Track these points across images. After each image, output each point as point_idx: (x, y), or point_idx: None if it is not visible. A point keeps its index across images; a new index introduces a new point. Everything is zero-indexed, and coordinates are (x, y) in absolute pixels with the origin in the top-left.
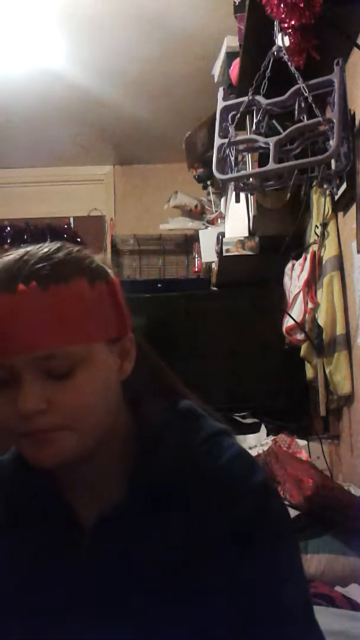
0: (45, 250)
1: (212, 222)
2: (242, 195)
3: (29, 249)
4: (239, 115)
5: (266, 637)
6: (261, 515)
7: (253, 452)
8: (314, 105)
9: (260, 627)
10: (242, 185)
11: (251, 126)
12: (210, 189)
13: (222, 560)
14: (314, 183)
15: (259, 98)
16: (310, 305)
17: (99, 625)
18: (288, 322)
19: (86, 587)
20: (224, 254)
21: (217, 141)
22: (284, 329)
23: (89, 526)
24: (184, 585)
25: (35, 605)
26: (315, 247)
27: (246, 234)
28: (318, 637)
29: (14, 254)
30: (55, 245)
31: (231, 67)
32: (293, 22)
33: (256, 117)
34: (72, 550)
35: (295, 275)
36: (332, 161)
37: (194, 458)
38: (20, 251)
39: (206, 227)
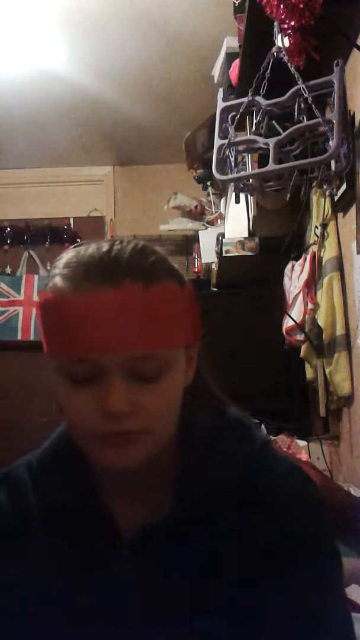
0: (133, 245)
1: (212, 223)
2: (242, 196)
3: (109, 241)
4: (238, 116)
5: None
6: (321, 530)
7: None
8: (313, 106)
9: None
10: (241, 186)
11: (251, 127)
12: (210, 189)
13: (281, 574)
14: (314, 184)
15: (259, 99)
16: (310, 306)
17: (132, 636)
18: (288, 323)
19: (122, 599)
20: (224, 254)
21: (217, 142)
22: (283, 330)
23: (128, 537)
24: (231, 600)
25: (68, 614)
26: (315, 248)
27: (246, 234)
28: None
29: (90, 246)
30: (138, 242)
31: (231, 68)
32: (293, 23)
33: (256, 118)
34: (109, 560)
35: (295, 276)
36: (332, 162)
37: (249, 470)
38: (100, 243)
39: (206, 228)
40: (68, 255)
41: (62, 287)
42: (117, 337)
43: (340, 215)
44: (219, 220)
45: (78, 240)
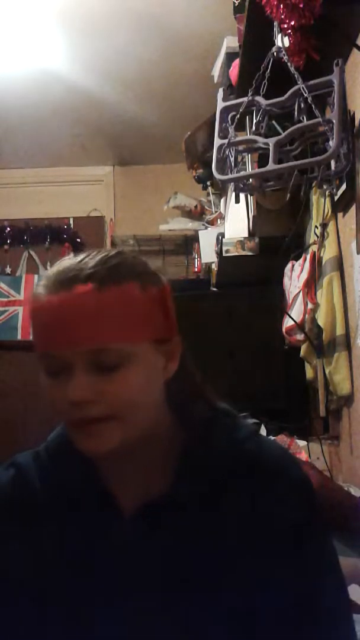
0: (104, 254)
1: (211, 223)
2: (242, 196)
3: (87, 253)
4: (238, 115)
5: (311, 631)
6: (313, 509)
7: None
8: (313, 106)
9: (306, 618)
10: (241, 185)
11: (251, 127)
12: (210, 189)
13: (275, 551)
14: (314, 183)
15: (259, 99)
16: (310, 305)
17: (136, 613)
18: (288, 323)
19: (124, 575)
20: (224, 254)
21: (217, 142)
22: (283, 330)
23: (129, 516)
24: (227, 577)
25: (73, 591)
26: (314, 248)
27: (246, 234)
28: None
29: (73, 258)
30: (114, 251)
31: (231, 68)
32: (293, 23)
33: (256, 118)
34: (112, 537)
35: (294, 276)
36: (332, 162)
37: (244, 452)
38: (80, 255)
39: (206, 228)
40: (55, 265)
41: (37, 294)
42: (74, 334)
43: (340, 215)
44: (218, 220)
45: (78, 240)
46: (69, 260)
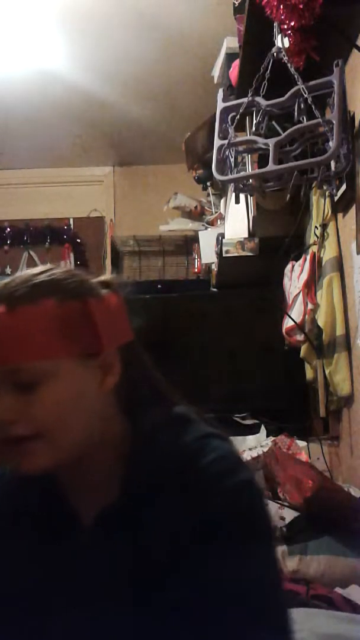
0: (32, 273)
1: (211, 223)
2: (242, 196)
3: (22, 273)
4: (238, 116)
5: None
6: (229, 516)
7: (253, 453)
8: (313, 107)
9: (215, 627)
10: (241, 186)
11: (251, 127)
12: (210, 190)
13: (189, 558)
14: (314, 184)
15: (259, 99)
16: (310, 306)
17: (99, 619)
18: (288, 323)
19: (86, 582)
20: (224, 255)
21: (217, 142)
22: (283, 330)
23: (88, 525)
24: (159, 581)
25: (37, 601)
26: (314, 248)
27: (246, 235)
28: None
29: (6, 279)
30: (44, 268)
31: (231, 68)
32: (293, 24)
33: (256, 118)
34: (72, 547)
35: (294, 276)
36: (332, 162)
37: (180, 458)
38: (15, 275)
39: (206, 228)
40: None
41: None
42: None
43: (340, 215)
44: (218, 220)
45: (78, 240)
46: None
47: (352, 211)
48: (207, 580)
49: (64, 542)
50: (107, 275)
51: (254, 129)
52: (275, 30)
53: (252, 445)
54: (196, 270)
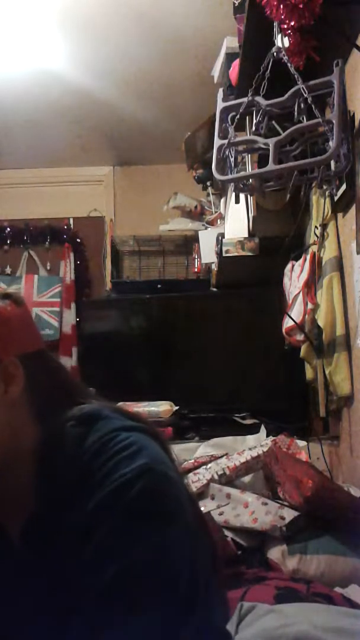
0: None
1: (211, 223)
2: (242, 196)
3: None
4: (238, 116)
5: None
6: (102, 513)
7: (253, 453)
8: (313, 106)
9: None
10: (241, 186)
11: (251, 127)
12: (209, 189)
13: (76, 555)
14: (314, 184)
15: (259, 99)
16: (309, 306)
17: (35, 631)
18: (288, 323)
19: (20, 593)
20: (224, 254)
21: (217, 142)
22: (283, 330)
23: (16, 538)
24: (70, 585)
25: None
26: (314, 248)
27: (246, 234)
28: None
29: None
30: None
31: (231, 68)
32: (293, 23)
33: (256, 118)
34: (4, 560)
35: (294, 276)
36: (332, 162)
37: (82, 460)
38: None
39: (206, 228)
40: None
41: None
42: None
43: (340, 215)
44: (218, 220)
45: (78, 240)
46: None
47: (352, 211)
48: (93, 572)
49: None
50: (7, 289)
51: (254, 128)
52: (275, 30)
53: (252, 445)
54: (196, 270)
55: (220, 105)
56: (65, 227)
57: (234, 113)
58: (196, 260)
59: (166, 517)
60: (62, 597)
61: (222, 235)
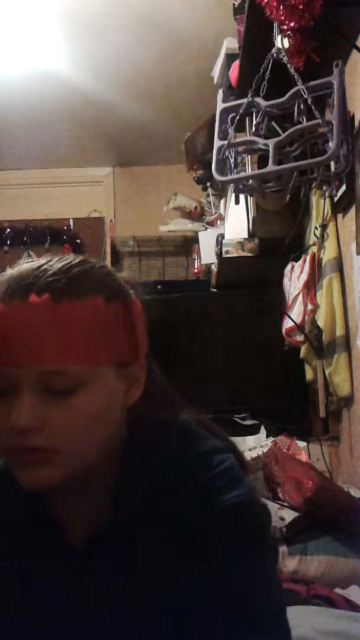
0: (66, 261)
1: (211, 224)
2: (242, 197)
3: (50, 258)
4: (238, 117)
5: None
6: (215, 535)
7: (253, 454)
8: (313, 107)
9: None
10: (241, 186)
11: (250, 128)
12: (209, 190)
13: (181, 575)
14: (314, 185)
15: (259, 100)
16: (309, 306)
17: None
18: (287, 324)
19: (77, 609)
20: (224, 255)
21: (217, 143)
22: (283, 331)
23: (79, 547)
24: (152, 614)
25: (27, 629)
26: (314, 249)
27: (246, 235)
28: None
29: (33, 262)
30: (77, 258)
31: (230, 69)
32: (292, 24)
33: (255, 119)
34: (62, 573)
35: (294, 277)
36: (332, 163)
37: (176, 478)
38: (41, 260)
39: (206, 229)
40: (8, 270)
41: None
42: (24, 351)
43: (339, 216)
44: (218, 221)
45: (78, 241)
46: (28, 265)
47: (352, 212)
48: (201, 600)
49: (53, 566)
50: (122, 273)
51: (253, 129)
52: (275, 30)
53: (252, 446)
54: (196, 270)
55: (220, 106)
56: (65, 227)
57: (233, 114)
58: (196, 261)
59: (272, 545)
60: (138, 608)
61: (222, 236)
